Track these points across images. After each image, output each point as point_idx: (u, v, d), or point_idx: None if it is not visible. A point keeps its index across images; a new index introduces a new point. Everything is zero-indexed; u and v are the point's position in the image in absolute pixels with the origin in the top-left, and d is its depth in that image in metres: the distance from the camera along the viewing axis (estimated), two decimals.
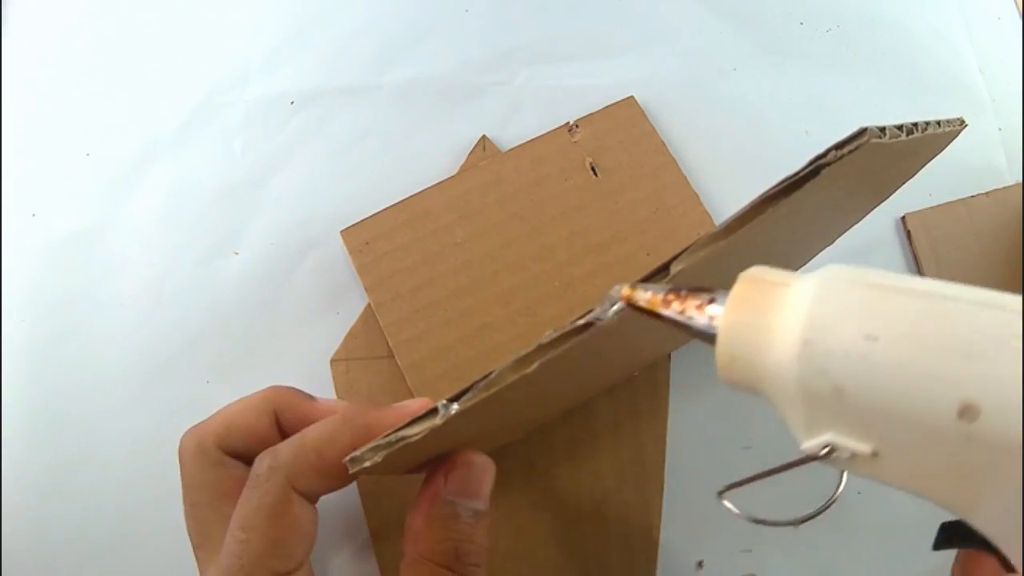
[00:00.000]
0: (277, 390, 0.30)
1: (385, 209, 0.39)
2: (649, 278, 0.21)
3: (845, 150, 0.19)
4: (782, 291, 0.17)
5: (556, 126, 0.42)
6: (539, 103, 0.44)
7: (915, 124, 0.22)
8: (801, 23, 0.48)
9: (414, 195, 0.39)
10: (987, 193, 0.44)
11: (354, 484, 0.36)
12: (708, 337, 0.18)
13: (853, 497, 0.39)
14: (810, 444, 0.17)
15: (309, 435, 0.27)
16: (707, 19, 0.47)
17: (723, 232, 0.20)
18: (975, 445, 0.14)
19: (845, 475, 0.19)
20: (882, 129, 0.20)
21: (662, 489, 0.37)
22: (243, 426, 0.29)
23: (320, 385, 0.38)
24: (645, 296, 0.19)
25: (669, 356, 0.39)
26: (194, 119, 0.43)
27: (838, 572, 0.38)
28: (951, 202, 0.44)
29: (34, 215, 0.41)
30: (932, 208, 0.43)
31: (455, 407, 0.22)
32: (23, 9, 0.45)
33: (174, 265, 0.40)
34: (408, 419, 0.23)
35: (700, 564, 0.37)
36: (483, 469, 0.27)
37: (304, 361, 0.39)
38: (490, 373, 0.21)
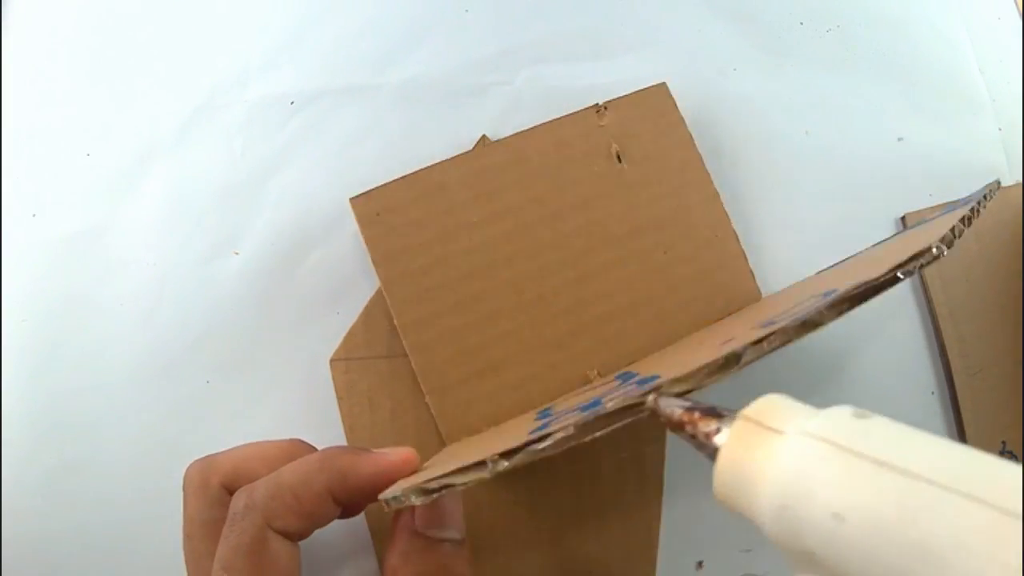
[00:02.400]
0: (329, 456, 0.27)
1: (398, 179, 0.37)
2: (721, 367, 0.21)
3: (924, 260, 0.20)
4: (775, 440, 0.17)
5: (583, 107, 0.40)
6: (539, 103, 0.44)
7: (971, 211, 0.22)
8: (801, 23, 0.48)
9: (429, 167, 0.38)
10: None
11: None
12: (712, 461, 0.19)
13: None
14: None
15: (285, 475, 0.26)
16: (707, 19, 0.47)
17: (800, 328, 0.21)
18: None
19: None
20: (952, 231, 0.21)
21: (662, 489, 0.37)
22: (253, 473, 0.29)
23: (320, 385, 0.38)
24: (665, 412, 0.20)
25: None
26: (194, 119, 0.43)
27: None
28: (951, 202, 0.44)
29: (34, 215, 0.41)
30: (932, 208, 0.43)
31: (505, 464, 0.22)
32: (23, 9, 0.45)
33: (174, 265, 0.40)
34: (388, 467, 0.23)
35: (700, 564, 0.38)
36: (450, 497, 0.27)
37: (304, 361, 0.39)
38: (546, 436, 0.21)
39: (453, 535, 0.27)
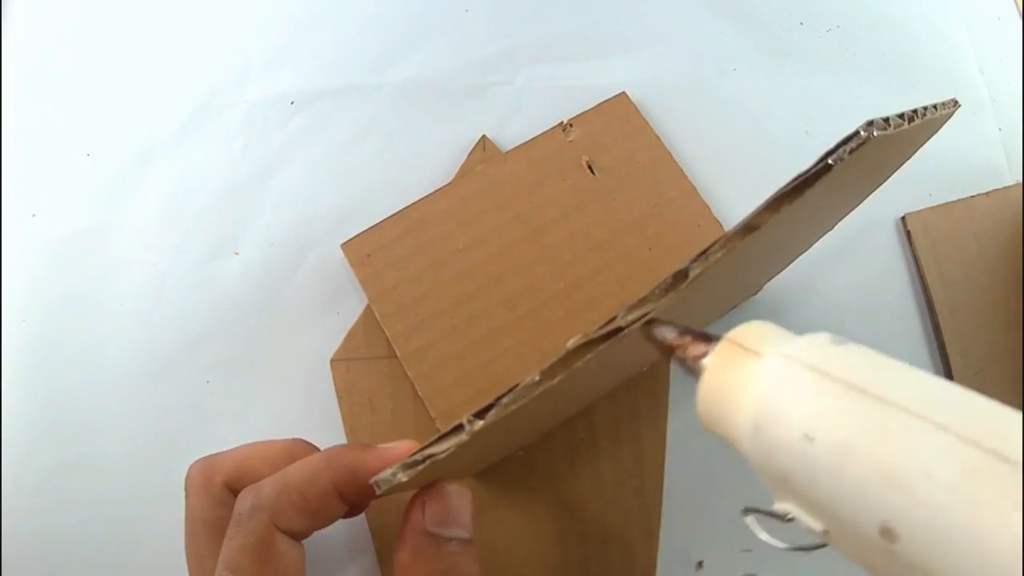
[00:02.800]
0: (334, 454, 0.27)
1: (384, 220, 0.39)
2: (670, 286, 0.21)
3: (853, 143, 0.20)
4: (753, 363, 0.17)
5: (551, 126, 0.42)
6: (539, 103, 0.44)
7: (914, 111, 0.22)
8: (801, 23, 0.48)
9: (412, 204, 0.39)
10: (987, 193, 0.44)
11: None
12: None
13: None
14: (779, 507, 0.18)
15: (291, 474, 0.26)
16: (707, 19, 0.47)
17: (740, 233, 0.20)
18: (897, 560, 0.14)
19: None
20: (886, 120, 0.20)
21: (662, 489, 0.37)
22: (255, 473, 0.28)
23: (320, 385, 0.38)
24: (658, 336, 0.20)
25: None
26: (194, 119, 0.43)
27: (838, 573, 0.38)
28: (951, 202, 0.44)
29: (34, 215, 0.41)
30: (932, 208, 0.43)
31: (480, 423, 0.22)
32: (23, 9, 0.45)
33: (174, 265, 0.40)
34: (394, 461, 0.23)
35: (700, 564, 0.38)
36: (460, 497, 0.27)
37: (304, 361, 0.39)
38: (515, 387, 0.21)
39: (461, 534, 0.27)
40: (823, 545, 0.17)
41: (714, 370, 0.18)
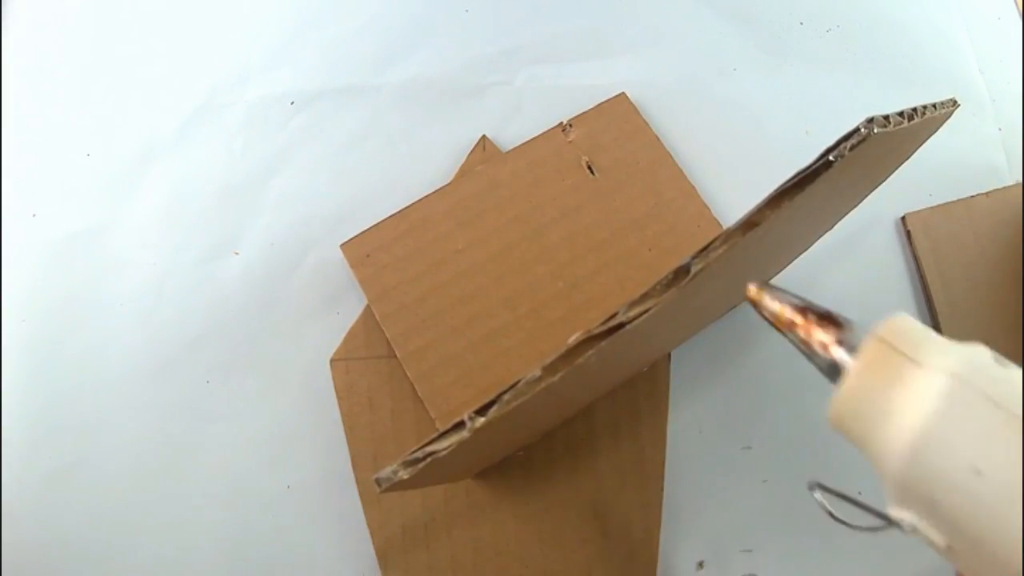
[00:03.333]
0: None
1: (383, 220, 0.39)
2: (671, 282, 0.20)
3: (854, 140, 0.20)
4: (912, 371, 0.16)
5: (551, 126, 0.42)
6: (539, 103, 0.44)
7: (914, 109, 0.22)
8: (801, 23, 0.48)
9: (412, 204, 0.39)
10: (987, 193, 0.44)
11: (358, 504, 0.36)
12: (828, 375, 0.18)
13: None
14: (895, 514, 0.17)
15: None
16: (707, 19, 0.47)
17: (741, 229, 0.20)
18: None
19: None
20: (886, 118, 0.20)
21: (662, 489, 0.37)
22: None
23: (320, 385, 0.38)
24: (772, 306, 0.19)
25: (669, 356, 0.39)
26: (194, 119, 0.43)
27: (838, 572, 0.38)
28: (951, 202, 0.44)
29: (34, 215, 0.41)
30: (932, 208, 0.43)
31: (481, 420, 0.22)
32: (23, 9, 0.45)
33: (174, 265, 0.40)
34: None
35: (700, 564, 0.37)
36: None
37: (304, 361, 0.39)
38: (516, 383, 0.21)
39: None
40: (889, 527, 0.17)
41: (864, 373, 0.17)
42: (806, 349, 0.18)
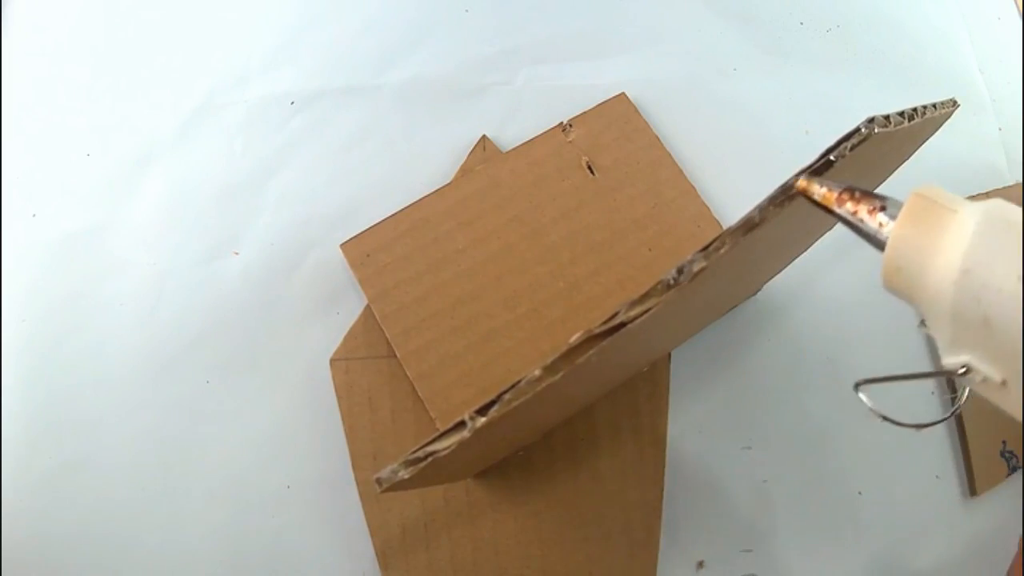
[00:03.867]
0: None
1: (384, 220, 0.39)
2: (673, 281, 0.21)
3: (854, 140, 0.20)
4: (950, 216, 0.18)
5: (551, 126, 0.42)
6: (539, 103, 0.44)
7: (914, 109, 0.22)
8: (801, 23, 0.48)
9: (412, 204, 0.39)
10: (987, 193, 0.44)
11: (358, 504, 0.36)
12: (876, 242, 0.19)
13: (854, 498, 0.39)
14: (950, 360, 0.18)
15: None
16: (707, 19, 0.47)
17: (741, 229, 0.20)
18: None
19: (967, 390, 0.21)
20: (886, 117, 0.20)
21: (662, 489, 0.37)
22: None
23: (320, 385, 0.38)
24: (820, 191, 0.20)
25: (669, 356, 0.39)
26: (194, 119, 0.43)
27: (837, 572, 0.38)
28: None
29: (34, 215, 0.41)
30: None
31: (482, 419, 0.22)
32: (23, 9, 0.45)
33: (174, 265, 0.40)
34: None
35: (700, 564, 0.37)
36: None
37: (304, 361, 0.39)
38: (517, 382, 0.21)
39: None
40: (952, 415, 0.18)
41: (908, 223, 0.18)
42: (855, 220, 0.20)
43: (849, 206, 0.20)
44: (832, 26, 0.48)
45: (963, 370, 0.18)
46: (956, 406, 0.21)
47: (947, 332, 0.18)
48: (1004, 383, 0.17)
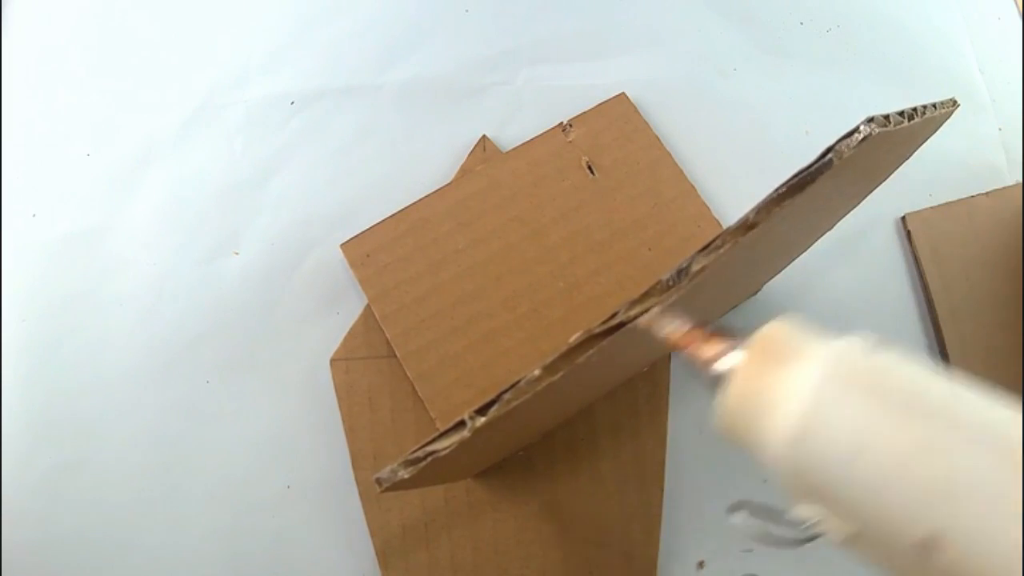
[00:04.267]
0: None
1: (384, 220, 0.39)
2: (673, 281, 0.21)
3: (854, 140, 0.20)
4: (790, 368, 0.17)
5: (551, 126, 0.42)
6: (539, 103, 0.44)
7: (914, 109, 0.22)
8: (801, 23, 0.48)
9: (412, 204, 0.39)
10: (987, 193, 0.44)
11: (358, 504, 0.36)
12: (715, 388, 0.18)
13: None
14: (799, 511, 0.17)
15: None
16: (707, 19, 0.47)
17: (741, 229, 0.20)
18: (932, 568, 0.14)
19: None
20: (886, 117, 0.20)
21: (662, 489, 0.37)
22: None
23: (320, 385, 0.38)
24: (668, 330, 0.19)
25: (669, 356, 0.39)
26: (194, 119, 0.43)
27: (837, 572, 0.38)
28: (951, 202, 0.44)
29: (34, 215, 0.41)
30: (932, 208, 0.43)
31: (482, 419, 0.22)
32: (23, 9, 0.45)
33: (174, 265, 0.40)
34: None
35: (700, 564, 0.37)
36: None
37: (304, 361, 0.39)
38: (517, 382, 0.21)
39: None
40: (816, 537, 0.17)
41: (746, 374, 0.17)
42: (697, 365, 0.19)
43: (692, 349, 0.19)
44: (832, 26, 0.48)
45: (813, 522, 0.17)
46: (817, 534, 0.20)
47: (790, 486, 0.17)
48: (856, 536, 0.16)
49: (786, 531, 0.18)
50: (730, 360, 0.18)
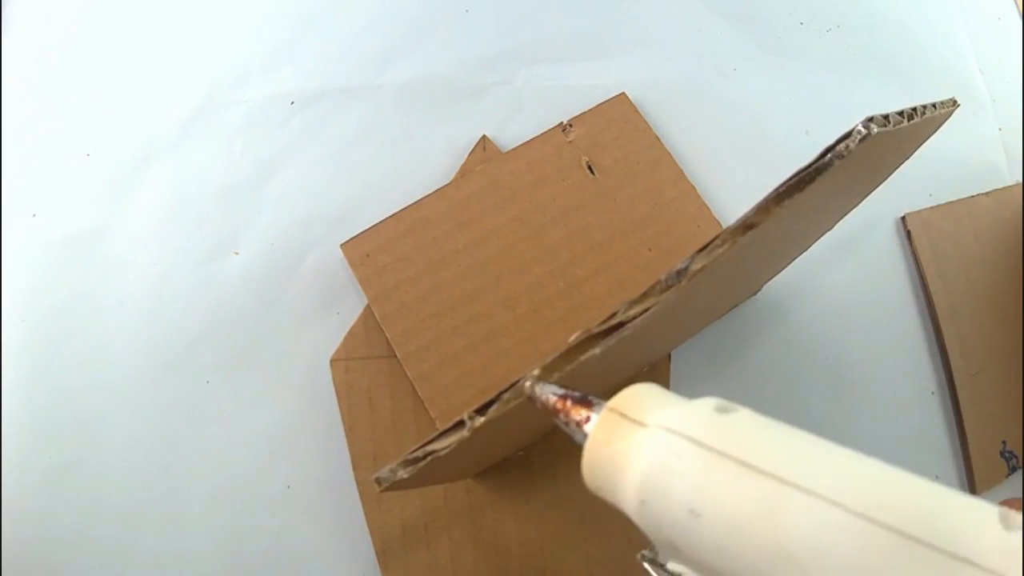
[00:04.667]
0: None
1: (384, 220, 0.39)
2: (672, 281, 0.21)
3: (853, 140, 0.20)
4: (636, 434, 0.17)
5: (551, 126, 0.42)
6: (539, 103, 0.44)
7: (914, 109, 0.22)
8: (801, 23, 0.48)
9: (412, 204, 0.39)
10: (987, 193, 0.44)
11: (358, 504, 0.36)
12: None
13: None
14: (671, 566, 0.18)
15: None
16: (707, 19, 0.47)
17: (741, 229, 0.20)
18: None
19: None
20: (885, 117, 0.20)
21: None
22: None
23: (320, 385, 0.38)
24: (543, 398, 0.20)
25: (669, 356, 0.39)
26: (194, 119, 0.43)
27: None
28: (951, 202, 0.44)
29: (34, 215, 0.41)
30: (932, 208, 0.43)
31: (481, 419, 0.22)
32: (23, 9, 0.45)
33: (174, 265, 0.40)
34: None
35: None
36: None
37: (304, 361, 0.39)
38: (516, 382, 0.21)
39: None
40: None
41: (596, 440, 0.18)
42: (568, 430, 0.19)
43: (561, 416, 0.19)
44: (832, 26, 0.48)
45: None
46: None
47: (654, 541, 0.17)
48: None
49: None
50: (591, 424, 0.19)
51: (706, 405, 0.17)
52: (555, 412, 0.20)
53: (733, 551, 0.15)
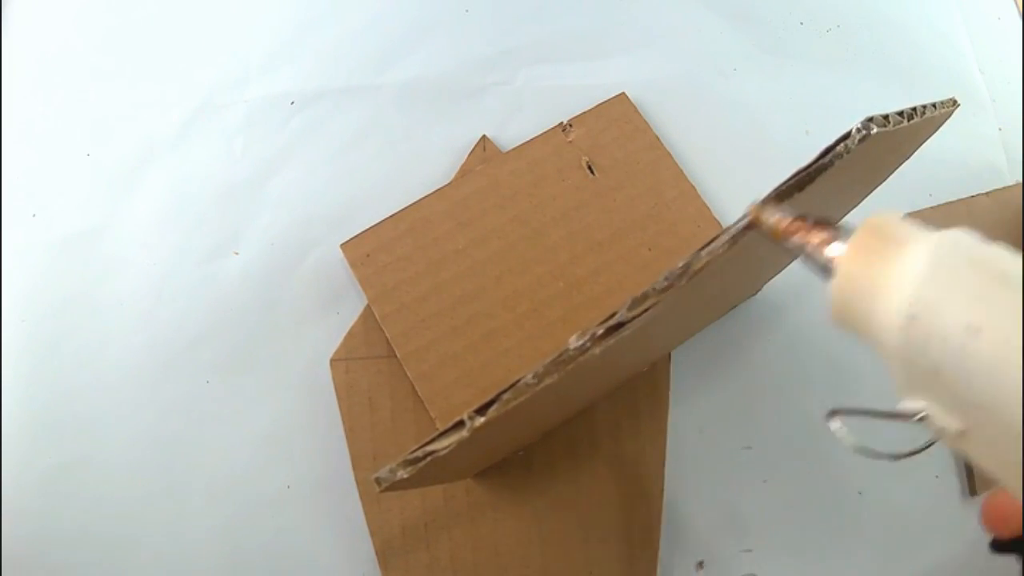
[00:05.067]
0: None
1: (384, 220, 0.39)
2: (671, 281, 0.21)
3: (853, 140, 0.20)
4: (900, 251, 0.17)
5: (551, 126, 0.42)
6: (539, 103, 0.44)
7: (914, 109, 0.22)
8: (801, 23, 0.48)
9: (412, 204, 0.39)
10: (987, 193, 0.44)
11: (358, 504, 0.36)
12: (825, 275, 0.18)
13: (854, 498, 0.39)
14: (906, 405, 0.17)
15: None
16: (707, 19, 0.47)
17: (742, 228, 0.20)
18: None
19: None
20: (885, 117, 0.20)
21: (662, 489, 0.37)
22: None
23: (320, 385, 0.38)
24: (771, 220, 0.19)
25: (669, 356, 0.39)
26: (194, 119, 0.43)
27: (837, 572, 0.38)
28: (951, 202, 0.44)
29: (34, 216, 0.41)
30: (932, 208, 0.43)
31: (481, 419, 0.22)
32: (23, 9, 0.45)
33: (174, 265, 0.40)
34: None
35: (700, 564, 0.37)
36: None
37: (304, 361, 0.39)
38: (516, 382, 0.21)
39: None
40: (917, 452, 0.17)
41: (854, 257, 0.17)
42: (805, 254, 0.19)
43: (798, 237, 0.18)
44: (832, 26, 0.48)
45: (920, 416, 0.16)
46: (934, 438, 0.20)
47: (900, 376, 0.17)
48: (964, 432, 0.16)
49: (886, 444, 0.17)
50: (837, 248, 0.18)
51: (966, 232, 0.16)
52: (786, 235, 0.19)
53: (1008, 368, 0.14)
